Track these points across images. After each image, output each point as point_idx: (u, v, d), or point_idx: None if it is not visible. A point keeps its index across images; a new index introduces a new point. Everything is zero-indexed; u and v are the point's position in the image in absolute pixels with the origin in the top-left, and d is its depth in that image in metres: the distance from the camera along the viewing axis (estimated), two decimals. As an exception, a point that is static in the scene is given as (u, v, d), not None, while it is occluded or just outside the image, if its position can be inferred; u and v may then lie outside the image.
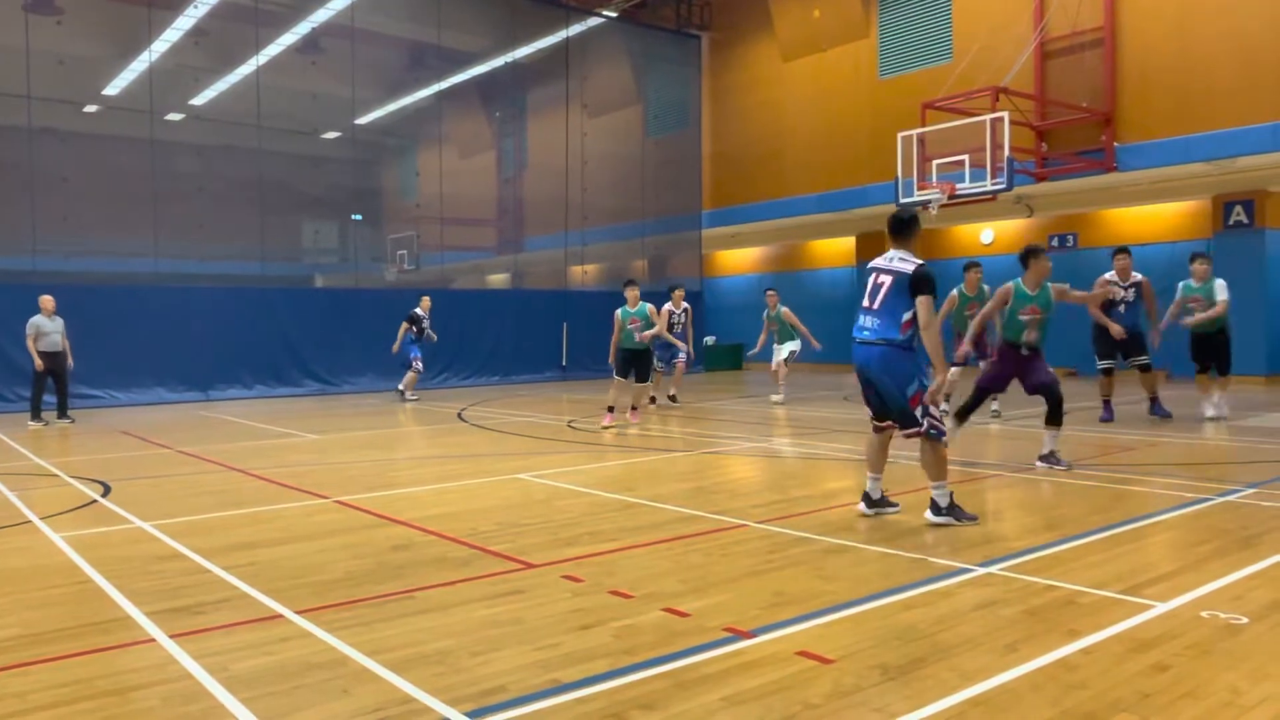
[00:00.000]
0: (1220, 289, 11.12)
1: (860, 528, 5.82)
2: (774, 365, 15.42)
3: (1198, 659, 3.45)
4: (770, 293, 15.51)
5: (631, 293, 12.18)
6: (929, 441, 5.84)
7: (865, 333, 5.94)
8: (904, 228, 6.01)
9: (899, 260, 5.88)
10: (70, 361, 13.20)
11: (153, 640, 3.85)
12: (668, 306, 14.43)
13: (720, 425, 12.46)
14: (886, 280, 5.86)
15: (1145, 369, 11.51)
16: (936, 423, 5.83)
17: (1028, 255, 8.16)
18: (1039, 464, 8.03)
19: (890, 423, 6.10)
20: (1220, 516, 5.96)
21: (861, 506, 6.19)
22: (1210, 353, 11.30)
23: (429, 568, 4.99)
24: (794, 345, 15.30)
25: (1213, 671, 3.33)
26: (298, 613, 4.18)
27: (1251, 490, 6.79)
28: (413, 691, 3.25)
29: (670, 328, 14.32)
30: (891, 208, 18.13)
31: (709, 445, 10.23)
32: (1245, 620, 3.87)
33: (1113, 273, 11.66)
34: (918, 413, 5.81)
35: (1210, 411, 11.40)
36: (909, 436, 5.92)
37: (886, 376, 5.86)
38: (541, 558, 5.14)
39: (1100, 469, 7.94)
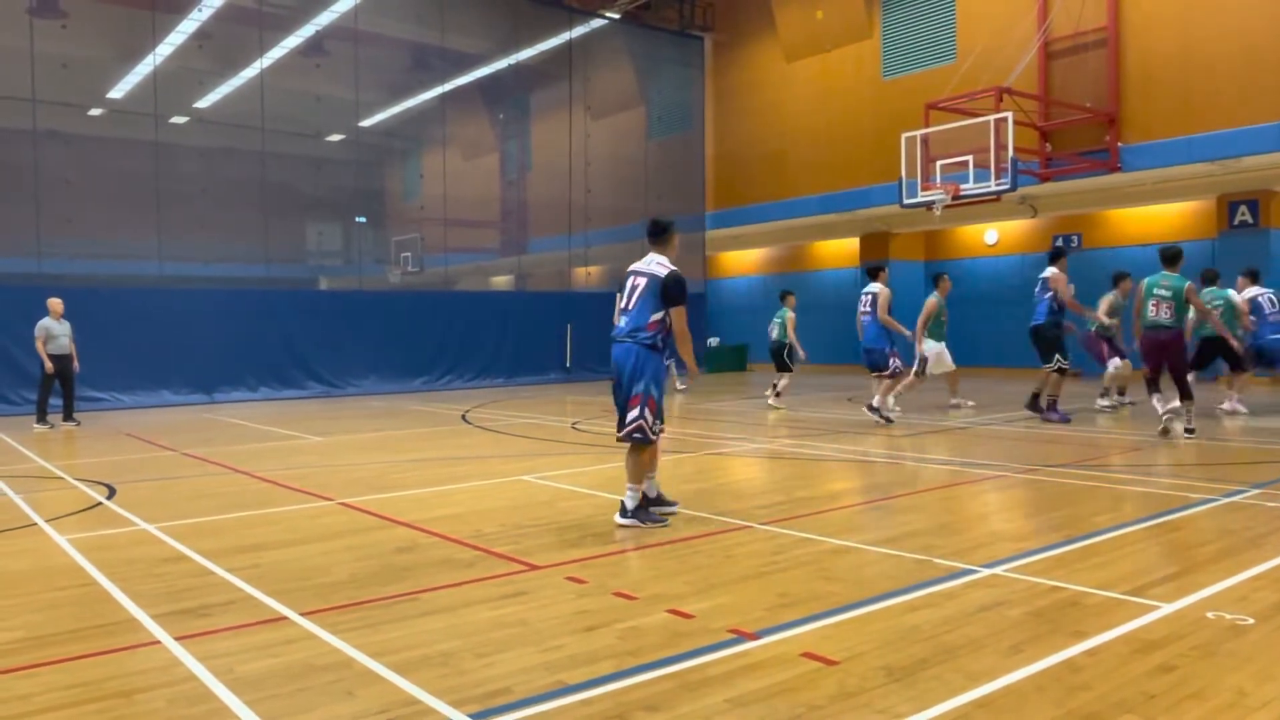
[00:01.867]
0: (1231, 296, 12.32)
1: (864, 529, 5.81)
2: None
3: (1203, 660, 3.44)
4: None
5: None
6: (636, 446, 5.96)
7: (618, 330, 6.12)
8: (660, 233, 6.24)
9: (655, 264, 6.09)
10: (77, 365, 13.23)
11: (158, 642, 3.86)
12: None
13: (723, 426, 12.45)
14: (641, 282, 6.04)
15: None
16: (644, 425, 5.92)
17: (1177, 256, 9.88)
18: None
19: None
20: (1226, 517, 5.95)
21: (617, 518, 6.12)
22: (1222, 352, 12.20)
23: (433, 569, 4.99)
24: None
25: (1218, 673, 3.32)
26: (303, 615, 4.19)
27: (1257, 490, 6.78)
28: (417, 693, 3.26)
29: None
30: (895, 208, 18.26)
31: (712, 446, 10.22)
32: (1251, 621, 3.86)
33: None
34: (633, 412, 5.90)
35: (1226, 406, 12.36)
36: (621, 437, 6.00)
37: (626, 370, 5.97)
38: (546, 559, 5.14)
39: (1105, 469, 7.93)
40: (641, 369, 5.92)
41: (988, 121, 15.49)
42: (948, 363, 13.28)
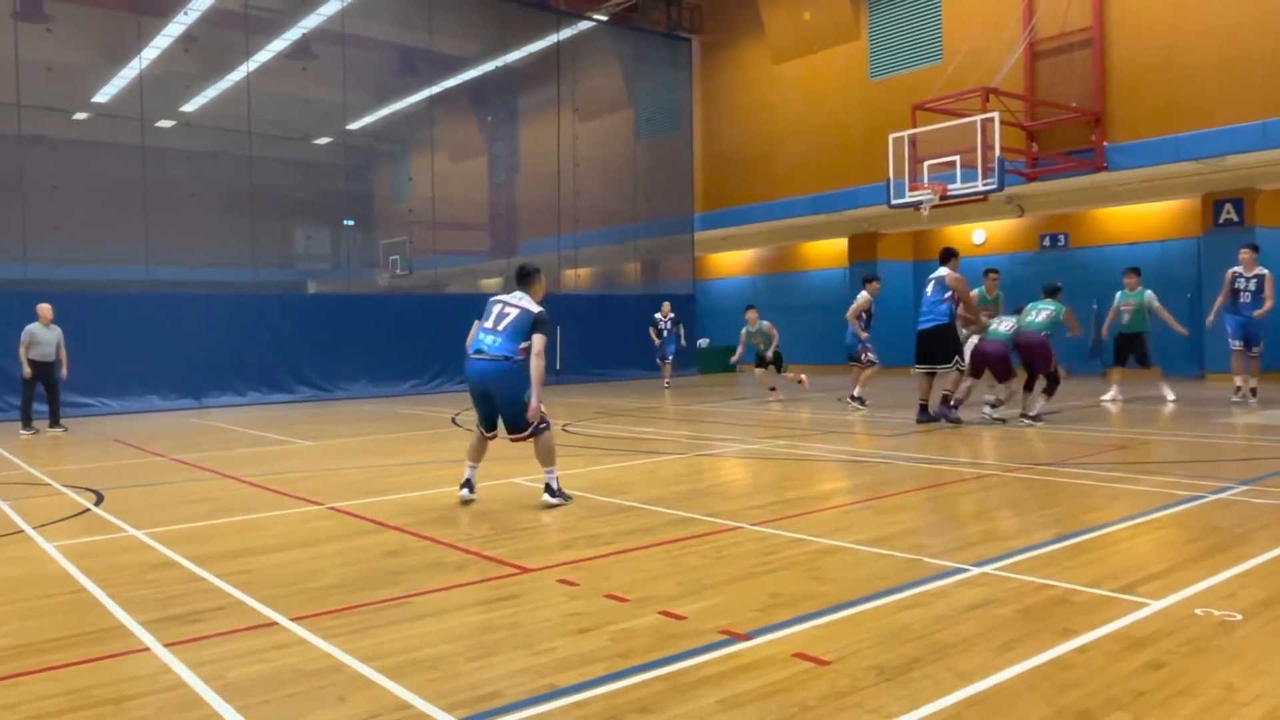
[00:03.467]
0: (1151, 298, 13.48)
1: (855, 528, 5.82)
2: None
3: (1192, 656, 3.46)
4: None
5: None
6: (538, 437, 6.79)
7: (486, 349, 6.76)
8: (527, 276, 7.01)
9: (525, 300, 6.85)
10: (64, 372, 13.14)
11: (147, 649, 3.84)
12: (656, 315, 16.51)
13: (714, 427, 12.46)
14: (512, 312, 6.79)
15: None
16: (544, 423, 6.80)
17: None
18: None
19: (495, 433, 7.05)
20: (1213, 514, 5.98)
21: (464, 493, 6.97)
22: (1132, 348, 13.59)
23: (424, 573, 4.98)
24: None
25: (1207, 669, 3.34)
26: (293, 620, 4.17)
27: (1244, 487, 6.82)
28: (409, 698, 3.25)
29: (660, 334, 18.58)
30: (883, 209, 18.31)
31: (703, 448, 10.23)
32: (1239, 617, 3.88)
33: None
34: (531, 410, 6.66)
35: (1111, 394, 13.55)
36: (516, 440, 6.86)
37: (506, 389, 6.73)
38: (537, 562, 5.14)
39: (1092, 467, 7.97)
40: (520, 384, 6.68)
41: (974, 122, 15.54)
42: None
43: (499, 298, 7.00)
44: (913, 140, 16.61)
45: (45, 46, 17.12)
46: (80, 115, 18.72)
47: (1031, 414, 11.22)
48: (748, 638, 3.77)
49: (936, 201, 16.11)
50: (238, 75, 18.96)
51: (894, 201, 17.00)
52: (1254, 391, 12.82)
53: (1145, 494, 6.75)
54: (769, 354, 15.95)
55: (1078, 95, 17.58)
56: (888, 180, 16.98)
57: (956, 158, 15.74)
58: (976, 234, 22.15)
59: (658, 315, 16.64)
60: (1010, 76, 17.70)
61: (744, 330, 16.10)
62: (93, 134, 18.92)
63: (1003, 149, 15.46)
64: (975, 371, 11.78)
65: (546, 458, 6.87)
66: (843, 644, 3.68)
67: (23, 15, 16.68)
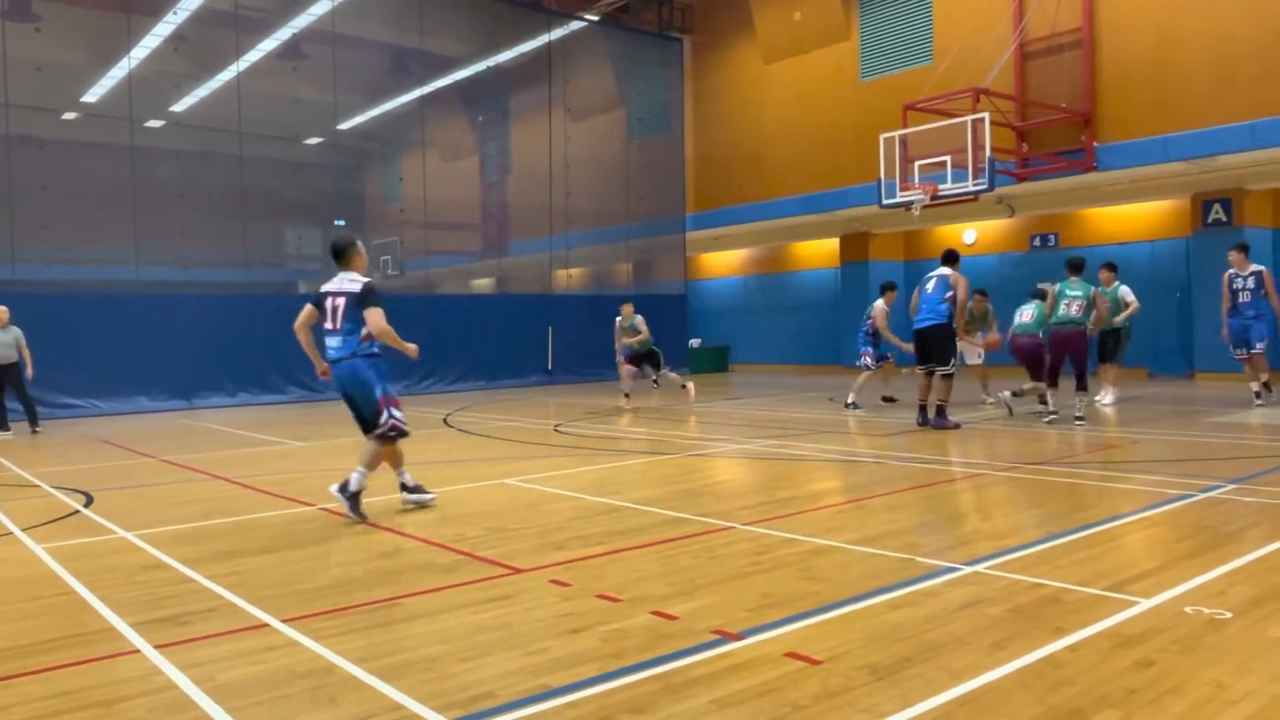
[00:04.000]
0: (1125, 293, 12.91)
1: (847, 528, 5.83)
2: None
3: (1182, 655, 3.47)
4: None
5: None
6: (384, 440, 6.49)
7: (333, 351, 6.53)
8: (340, 254, 6.60)
9: (348, 281, 6.49)
10: (30, 371, 12.91)
11: (138, 651, 3.83)
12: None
13: (706, 427, 12.47)
14: (341, 302, 6.44)
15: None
16: (398, 424, 6.52)
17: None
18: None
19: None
20: (1203, 512, 6.01)
21: (402, 495, 6.79)
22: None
23: (416, 574, 4.97)
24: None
25: (1197, 667, 3.35)
26: (284, 621, 4.16)
27: (1233, 486, 6.85)
28: (401, 699, 3.24)
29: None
30: (874, 209, 18.35)
31: (695, 448, 10.24)
32: (1228, 615, 3.90)
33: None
34: (384, 415, 6.45)
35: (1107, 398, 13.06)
36: (371, 437, 6.50)
37: (356, 386, 6.49)
38: (529, 562, 5.13)
39: (1083, 466, 8.00)
40: (370, 379, 6.46)
41: (965, 122, 15.58)
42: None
43: (325, 288, 6.60)
44: (904, 140, 16.64)
45: (34, 46, 17.04)
46: (69, 115, 18.63)
47: (1079, 414, 10.88)
48: (740, 637, 3.78)
49: (927, 202, 16.15)
50: (228, 75, 18.90)
51: (885, 202, 17.03)
52: (1268, 386, 12.47)
53: (1136, 493, 6.78)
54: (643, 350, 14.97)
55: (1067, 96, 17.64)
56: (879, 180, 17.01)
57: (947, 158, 15.78)
58: (967, 234, 22.21)
59: (618, 319, 16.36)
60: (1001, 77, 17.75)
61: (615, 322, 15.30)
62: (82, 134, 18.82)
63: (993, 149, 15.51)
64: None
65: (393, 461, 6.64)
66: (835, 643, 3.69)
67: (11, 14, 16.59)
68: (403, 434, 6.57)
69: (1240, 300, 12.44)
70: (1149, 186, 18.10)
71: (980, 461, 8.58)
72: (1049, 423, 11.07)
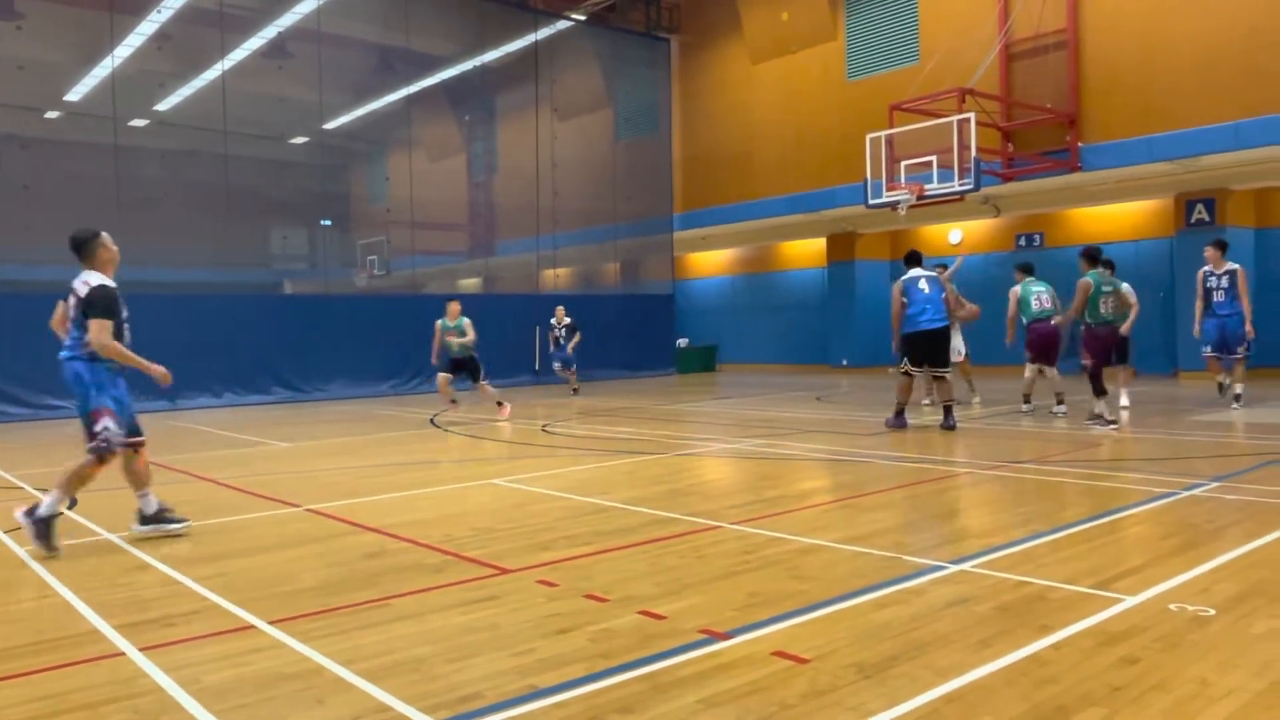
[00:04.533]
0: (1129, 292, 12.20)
1: (834, 527, 5.85)
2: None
3: (1166, 651, 3.50)
4: (453, 303, 14.22)
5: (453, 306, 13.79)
6: (92, 460, 5.85)
7: (65, 352, 6.11)
8: (79, 248, 6.17)
9: (80, 282, 6.01)
10: None
11: (122, 654, 3.80)
12: (551, 320, 15.50)
13: (694, 427, 12.48)
14: (73, 301, 5.99)
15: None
16: (108, 439, 5.88)
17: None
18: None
19: (140, 438, 6.23)
20: (1187, 510, 6.05)
21: (135, 528, 6.14)
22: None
23: (403, 575, 4.96)
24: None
25: (1181, 664, 3.38)
26: (270, 623, 4.14)
27: (1216, 484, 6.90)
28: (388, 700, 3.23)
29: (556, 341, 17.89)
30: (860, 209, 18.41)
31: (682, 448, 10.24)
32: (1212, 612, 3.93)
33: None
34: (97, 426, 5.89)
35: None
36: (90, 449, 5.89)
37: (76, 390, 6.00)
38: (516, 563, 5.13)
39: (1069, 465, 8.04)
40: (89, 385, 5.97)
41: (951, 122, 15.64)
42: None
43: (74, 283, 6.09)
44: (890, 140, 16.70)
45: (16, 44, 16.92)
46: (52, 114, 18.51)
47: (1110, 415, 10.59)
48: (727, 637, 3.78)
49: (913, 201, 16.21)
50: (213, 74, 18.81)
51: (871, 201, 17.08)
52: (1238, 397, 12.00)
53: (1120, 491, 6.82)
54: (463, 356, 13.69)
55: (1052, 96, 17.73)
56: (865, 180, 17.07)
57: (933, 158, 15.84)
58: (953, 234, 22.31)
59: (553, 321, 16.33)
60: (986, 77, 17.83)
61: (438, 324, 13.88)
62: (64, 133, 18.70)
63: (979, 149, 15.58)
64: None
65: (69, 484, 5.83)
66: (822, 642, 3.70)
67: (-7, 12, 16.48)
68: (110, 449, 5.88)
69: (1215, 300, 12.06)
70: (1133, 186, 18.22)
71: (966, 461, 8.61)
72: (1111, 428, 10.35)
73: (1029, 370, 12.24)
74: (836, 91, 21.72)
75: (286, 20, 19.81)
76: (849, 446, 9.75)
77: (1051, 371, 11.94)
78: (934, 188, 15.96)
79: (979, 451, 9.15)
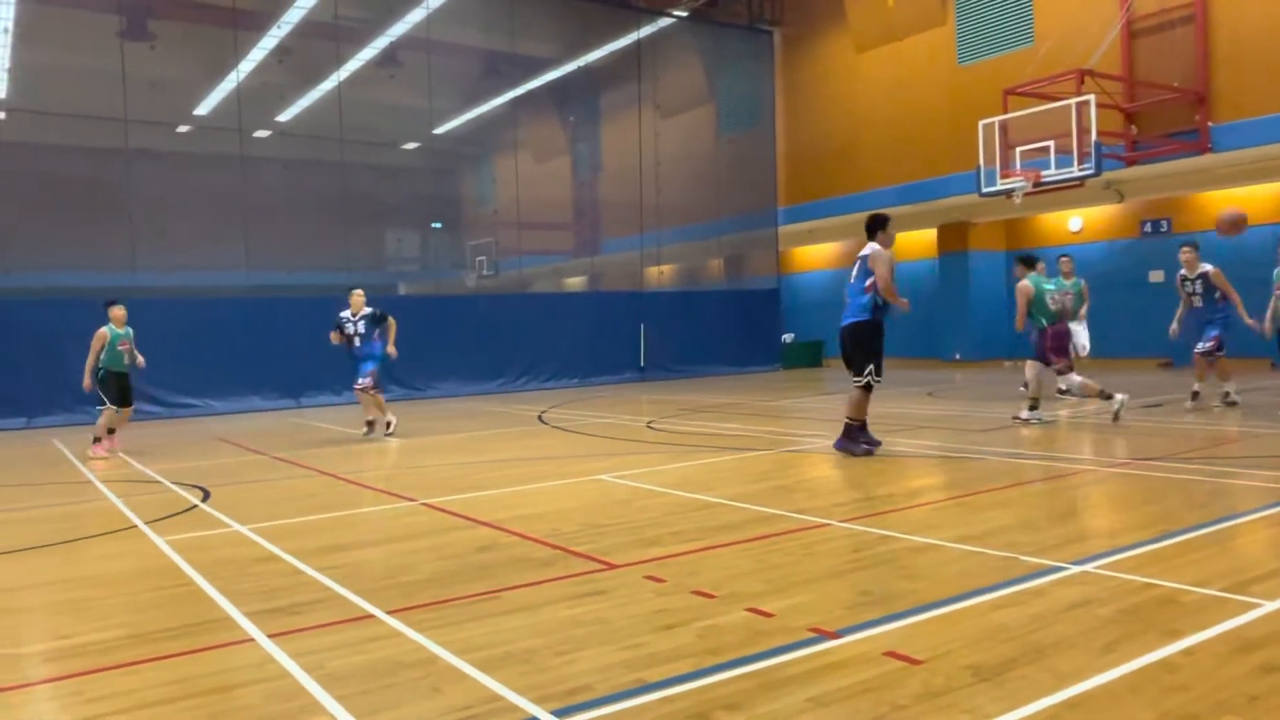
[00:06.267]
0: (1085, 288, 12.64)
1: (946, 526, 5.70)
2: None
3: (1310, 660, 3.29)
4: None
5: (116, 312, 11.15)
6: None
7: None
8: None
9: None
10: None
11: (252, 640, 3.99)
12: (345, 313, 12.22)
13: (799, 423, 12.35)
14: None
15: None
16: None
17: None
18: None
19: None
20: (1332, 511, 5.67)
21: None
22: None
23: (513, 568, 5.06)
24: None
25: (1327, 673, 3.17)
26: (388, 613, 4.29)
27: (1366, 483, 6.45)
28: (500, 690, 3.31)
29: (349, 340, 12.23)
30: (973, 197, 17.87)
31: (788, 444, 10.14)
32: (1362, 619, 3.68)
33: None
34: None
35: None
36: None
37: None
38: (623, 558, 5.17)
39: (1199, 462, 7.63)
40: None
41: (1069, 105, 15.06)
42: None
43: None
44: (1004, 126, 16.18)
45: (149, 63, 17.92)
46: (183, 128, 19.55)
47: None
48: (837, 635, 3.73)
49: (1029, 189, 15.67)
50: (329, 84, 19.56)
51: (985, 190, 16.58)
52: (1226, 395, 11.31)
53: (1254, 490, 6.44)
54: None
55: (1179, 74, 16.84)
56: (978, 168, 16.58)
57: (1050, 143, 15.28)
58: (1073, 221, 21.45)
59: (344, 314, 12.24)
60: (1106, 57, 17.06)
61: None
62: (195, 146, 19.73)
63: (1099, 133, 14.95)
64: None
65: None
66: (935, 643, 3.61)
67: (129, 35, 17.50)
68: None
69: (1193, 305, 11.37)
70: (1271, 167, 17.15)
71: (1086, 457, 8.27)
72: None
73: (1066, 376, 11.09)
74: (946, 77, 21.14)
75: (397, 30, 20.43)
76: (962, 442, 9.48)
77: (1049, 372, 11.38)
78: (1051, 174, 15.38)
79: (1099, 449, 8.78)
